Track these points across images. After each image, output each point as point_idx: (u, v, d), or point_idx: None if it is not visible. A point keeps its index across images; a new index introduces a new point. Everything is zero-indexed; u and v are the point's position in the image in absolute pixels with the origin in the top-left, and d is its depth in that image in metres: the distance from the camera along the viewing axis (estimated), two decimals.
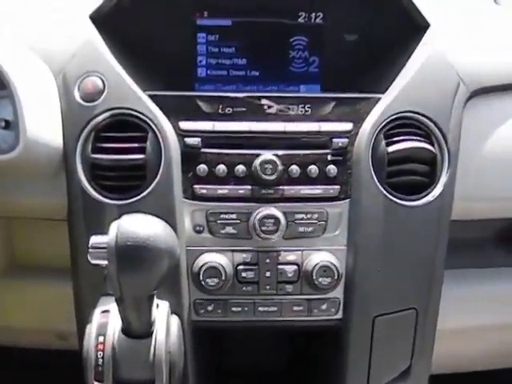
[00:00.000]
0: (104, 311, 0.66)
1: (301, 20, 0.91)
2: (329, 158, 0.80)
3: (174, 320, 0.70)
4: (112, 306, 0.64)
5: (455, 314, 0.90)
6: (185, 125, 0.80)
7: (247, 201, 0.79)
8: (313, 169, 0.80)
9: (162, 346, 0.63)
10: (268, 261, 0.79)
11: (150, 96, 0.80)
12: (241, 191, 0.79)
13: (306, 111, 0.82)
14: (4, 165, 0.73)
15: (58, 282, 0.88)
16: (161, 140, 0.78)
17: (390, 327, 0.82)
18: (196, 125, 0.80)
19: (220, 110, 0.81)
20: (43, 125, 0.75)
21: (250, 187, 0.79)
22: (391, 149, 0.79)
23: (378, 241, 0.80)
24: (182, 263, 0.78)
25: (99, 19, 0.83)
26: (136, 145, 0.77)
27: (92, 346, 0.63)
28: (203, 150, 0.79)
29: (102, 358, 0.62)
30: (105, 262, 0.57)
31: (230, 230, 0.79)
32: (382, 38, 0.90)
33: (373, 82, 0.86)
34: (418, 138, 0.81)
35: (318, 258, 0.79)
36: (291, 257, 0.80)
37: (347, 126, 0.81)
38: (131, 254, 0.56)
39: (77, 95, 0.78)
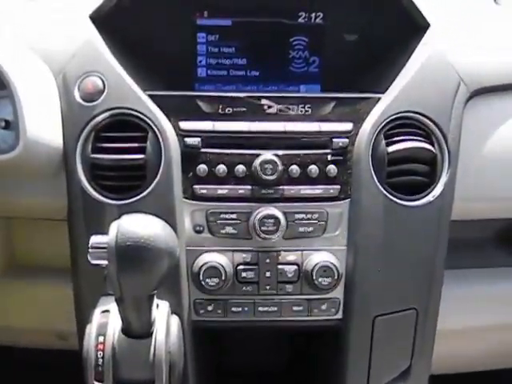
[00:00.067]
0: (104, 311, 0.66)
1: (301, 20, 0.91)
2: (329, 158, 0.80)
3: (174, 320, 0.70)
4: (112, 305, 0.64)
5: (455, 314, 0.90)
6: (185, 125, 0.80)
7: (247, 201, 0.79)
8: (313, 169, 0.80)
9: (161, 346, 0.63)
10: (268, 261, 0.79)
11: (150, 96, 0.80)
12: (241, 191, 0.79)
13: (306, 111, 0.82)
14: (4, 165, 0.73)
15: (58, 282, 0.88)
16: (161, 140, 0.78)
17: (390, 327, 0.82)
18: (196, 125, 0.80)
19: (220, 110, 0.81)
20: (43, 125, 0.75)
21: (250, 187, 0.79)
22: (391, 149, 0.79)
23: (378, 241, 0.80)
24: (181, 263, 0.78)
25: (99, 19, 0.83)
26: (136, 145, 0.77)
27: (92, 345, 0.63)
28: (203, 149, 0.79)
29: (102, 358, 0.62)
30: (105, 262, 0.57)
31: (230, 229, 0.79)
32: (382, 38, 0.90)
33: (373, 81, 0.86)
34: (418, 138, 0.81)
35: (318, 258, 0.79)
36: (291, 257, 0.80)
37: (347, 126, 0.81)
38: (131, 254, 0.56)
39: (77, 95, 0.78)
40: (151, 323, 0.64)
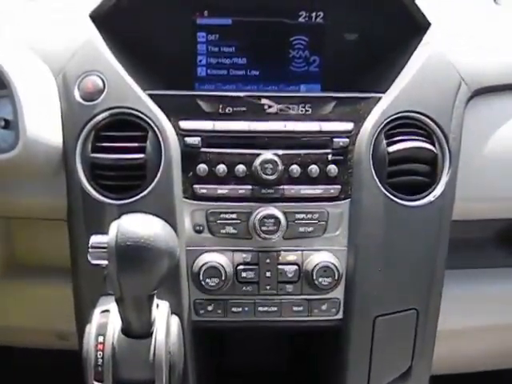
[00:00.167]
0: (104, 311, 0.66)
1: (301, 19, 0.91)
2: (329, 157, 0.80)
3: (174, 320, 0.70)
4: (112, 305, 0.64)
5: (455, 314, 0.90)
6: (185, 124, 0.80)
7: (247, 200, 0.79)
8: (313, 168, 0.80)
9: (161, 346, 0.63)
10: (268, 261, 0.79)
11: (150, 95, 0.80)
12: (241, 191, 0.79)
13: (306, 111, 0.82)
14: (4, 164, 0.73)
15: (57, 282, 0.88)
16: (161, 139, 0.78)
17: (390, 328, 0.82)
18: (196, 124, 0.80)
19: (220, 110, 0.81)
20: (43, 124, 0.75)
21: (250, 187, 0.79)
22: (392, 149, 0.79)
23: (379, 241, 0.79)
24: (181, 263, 0.78)
25: (99, 18, 0.83)
26: (136, 144, 0.77)
27: (92, 345, 0.63)
28: (203, 149, 0.79)
29: (102, 358, 0.62)
30: (105, 262, 0.57)
31: (230, 229, 0.79)
32: (382, 38, 0.89)
33: (373, 81, 0.86)
34: (419, 137, 0.80)
35: (318, 258, 0.79)
36: (291, 257, 0.79)
37: (348, 126, 0.81)
38: (131, 254, 0.56)
39: (77, 94, 0.78)
40: (151, 323, 0.64)
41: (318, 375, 0.99)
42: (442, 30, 0.86)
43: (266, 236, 0.77)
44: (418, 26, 0.86)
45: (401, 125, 0.81)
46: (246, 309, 0.80)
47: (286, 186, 0.79)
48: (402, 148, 0.79)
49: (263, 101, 0.82)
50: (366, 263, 0.80)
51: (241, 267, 0.79)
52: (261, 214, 0.77)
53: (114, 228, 0.57)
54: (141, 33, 0.88)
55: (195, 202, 0.79)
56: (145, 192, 0.76)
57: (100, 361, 0.62)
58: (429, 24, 0.86)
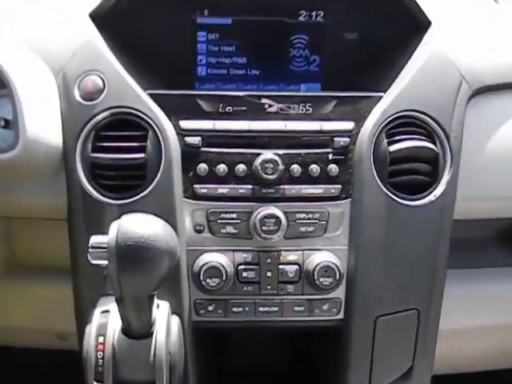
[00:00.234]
0: (104, 311, 0.66)
1: (301, 18, 0.91)
2: (330, 157, 0.80)
3: (175, 320, 0.70)
4: (112, 306, 0.64)
5: (456, 313, 0.89)
6: (185, 124, 0.79)
7: (248, 200, 0.79)
8: (314, 168, 0.79)
9: (162, 347, 0.63)
10: (269, 261, 0.79)
11: (150, 95, 0.79)
12: (241, 191, 0.78)
13: (306, 110, 0.82)
14: (3, 164, 0.73)
15: (57, 282, 0.87)
16: (161, 139, 0.77)
17: (391, 328, 0.82)
18: (196, 124, 0.80)
19: (220, 109, 0.81)
20: (43, 124, 0.75)
21: (250, 187, 0.78)
22: (393, 148, 0.79)
23: (380, 241, 0.79)
24: (182, 263, 0.78)
25: (99, 18, 0.83)
26: (136, 144, 0.76)
27: (92, 346, 0.63)
28: (203, 149, 0.79)
29: (102, 358, 0.62)
30: (105, 262, 0.57)
31: (230, 229, 0.78)
32: (382, 37, 0.89)
33: (374, 80, 0.86)
34: (420, 136, 0.80)
35: (319, 257, 0.78)
36: (292, 257, 0.79)
37: (348, 125, 0.81)
38: (131, 254, 0.56)
39: (77, 94, 0.78)
40: (151, 323, 0.64)
41: (318, 375, 0.99)
42: (442, 29, 0.86)
43: (267, 236, 0.77)
44: (419, 24, 0.86)
45: (402, 124, 0.81)
46: (247, 309, 0.80)
47: (286, 186, 0.79)
48: (403, 147, 0.79)
49: (263, 100, 0.82)
50: (367, 263, 0.80)
51: (241, 267, 0.79)
52: (261, 213, 0.77)
53: (114, 228, 0.57)
54: (141, 32, 0.87)
55: (195, 201, 0.79)
56: (145, 192, 0.76)
57: (100, 361, 0.62)
58: (429, 23, 0.86)
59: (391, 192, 0.79)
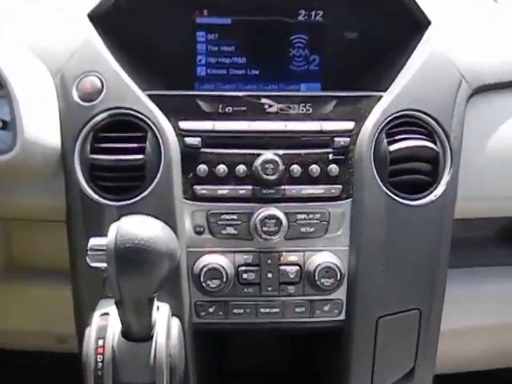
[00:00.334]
0: (103, 314, 0.65)
1: (301, 18, 0.91)
2: (330, 157, 0.80)
3: (175, 322, 0.69)
4: (112, 308, 0.64)
5: (456, 313, 0.89)
6: (184, 124, 0.79)
7: (248, 201, 0.78)
8: (314, 168, 0.79)
9: (162, 349, 0.63)
10: (269, 262, 0.78)
11: (150, 95, 0.79)
12: (241, 191, 0.78)
13: (306, 110, 0.81)
14: (2, 165, 0.72)
15: (57, 284, 0.87)
16: (160, 140, 0.77)
17: (393, 328, 0.82)
18: (196, 124, 0.79)
19: (220, 110, 0.81)
20: (41, 125, 0.74)
21: (250, 187, 0.78)
22: (393, 147, 0.79)
23: (381, 241, 0.79)
24: (182, 265, 0.77)
25: (97, 18, 0.83)
26: (135, 145, 0.76)
27: (91, 349, 0.62)
28: (203, 149, 0.78)
29: (102, 361, 0.62)
30: (104, 265, 0.56)
31: (230, 230, 0.78)
32: (382, 36, 0.89)
33: (374, 80, 0.86)
34: (420, 136, 0.80)
35: (320, 258, 0.78)
36: (293, 257, 0.79)
37: (349, 125, 0.81)
38: (131, 257, 0.55)
39: (75, 95, 0.78)
40: (151, 326, 0.63)
41: (318, 376, 0.98)
42: (442, 29, 0.86)
43: (267, 237, 0.77)
44: (418, 24, 0.86)
45: (402, 123, 0.80)
46: (248, 310, 0.79)
47: (286, 186, 0.78)
48: (404, 147, 0.79)
49: (263, 100, 0.81)
50: (369, 263, 0.79)
51: (242, 268, 0.78)
52: (262, 214, 0.76)
53: (113, 230, 0.56)
54: (140, 32, 0.87)
55: (195, 202, 0.78)
56: (144, 193, 0.76)
57: (100, 364, 0.61)
58: (429, 22, 0.85)
59: (392, 192, 0.79)
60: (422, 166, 0.80)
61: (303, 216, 0.79)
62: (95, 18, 0.82)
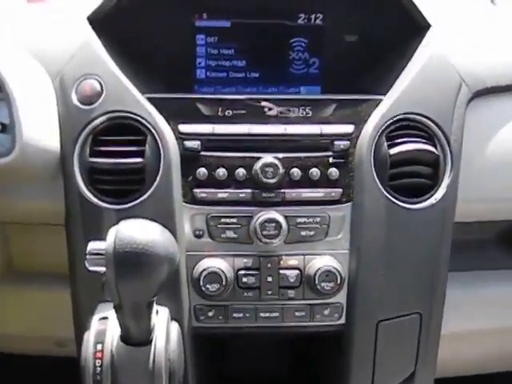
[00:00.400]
0: (102, 318, 0.65)
1: (300, 21, 0.91)
2: (330, 160, 0.79)
3: (174, 326, 0.69)
4: (111, 312, 0.63)
5: (457, 316, 0.89)
6: (184, 128, 0.79)
7: (248, 205, 0.78)
8: (314, 172, 0.79)
9: (161, 354, 0.62)
10: (269, 266, 0.78)
11: (149, 99, 0.79)
12: (241, 195, 0.78)
13: (306, 113, 0.81)
14: (0, 168, 0.72)
15: (55, 288, 0.87)
16: (160, 143, 0.77)
17: (393, 332, 0.81)
18: (195, 128, 0.79)
19: (220, 113, 0.81)
20: (40, 128, 0.74)
21: (250, 191, 0.78)
22: (393, 151, 0.79)
23: (381, 244, 0.79)
24: (181, 268, 0.77)
25: (97, 21, 0.83)
26: (135, 148, 0.76)
27: (90, 353, 0.62)
28: (203, 153, 0.78)
29: (101, 366, 0.61)
30: (103, 269, 0.56)
31: (230, 234, 0.78)
32: (382, 39, 0.89)
33: (374, 83, 0.86)
34: (421, 139, 0.80)
35: (320, 262, 0.78)
36: (293, 261, 0.79)
37: (348, 129, 0.80)
38: (130, 261, 0.55)
39: (74, 98, 0.78)
40: (150, 330, 0.63)
41: (318, 380, 0.98)
42: (441, 32, 0.86)
43: (267, 240, 0.76)
44: (418, 27, 0.86)
45: (402, 127, 0.80)
46: (247, 314, 0.79)
47: (286, 190, 0.78)
48: (404, 150, 0.79)
49: (263, 103, 0.81)
50: (369, 267, 0.79)
51: (242, 272, 0.78)
52: (262, 218, 0.76)
53: (112, 234, 0.56)
54: (139, 35, 0.87)
55: (195, 206, 0.78)
56: (144, 197, 0.76)
57: (98, 369, 0.61)
58: (429, 25, 0.85)
59: (392, 195, 0.79)
60: (422, 170, 0.80)
61: (303, 220, 0.78)
62: (95, 20, 0.82)
